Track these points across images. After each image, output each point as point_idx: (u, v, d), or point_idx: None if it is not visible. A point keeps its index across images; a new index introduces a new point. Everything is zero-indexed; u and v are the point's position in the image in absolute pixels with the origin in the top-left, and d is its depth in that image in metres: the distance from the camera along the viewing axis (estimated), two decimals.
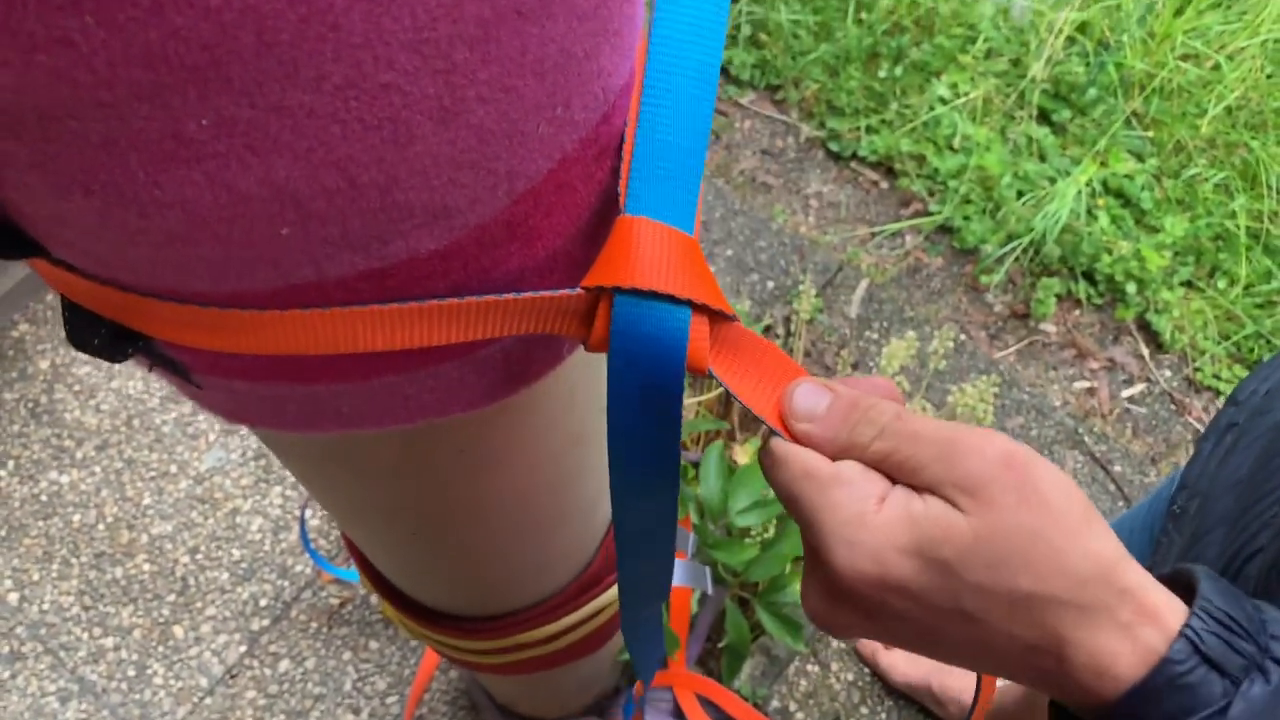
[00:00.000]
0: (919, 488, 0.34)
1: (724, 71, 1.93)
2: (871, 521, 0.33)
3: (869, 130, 1.86)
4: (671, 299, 0.32)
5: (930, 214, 1.79)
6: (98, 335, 0.32)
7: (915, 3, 1.92)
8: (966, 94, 1.86)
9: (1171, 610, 0.33)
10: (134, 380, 1.49)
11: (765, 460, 0.36)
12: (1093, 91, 1.86)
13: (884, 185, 1.85)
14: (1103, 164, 1.80)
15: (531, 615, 0.71)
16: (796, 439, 0.36)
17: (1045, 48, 1.88)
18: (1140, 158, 1.83)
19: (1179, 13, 1.89)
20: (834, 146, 1.86)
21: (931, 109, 1.84)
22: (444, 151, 0.27)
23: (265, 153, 0.24)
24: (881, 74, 1.88)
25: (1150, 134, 1.85)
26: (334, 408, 0.37)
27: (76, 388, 1.48)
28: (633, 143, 0.32)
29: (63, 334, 1.52)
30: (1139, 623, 0.32)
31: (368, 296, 0.30)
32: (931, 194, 1.82)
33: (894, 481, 0.35)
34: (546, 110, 0.28)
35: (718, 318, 0.34)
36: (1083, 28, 1.91)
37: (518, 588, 0.70)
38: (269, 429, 0.39)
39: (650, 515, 0.39)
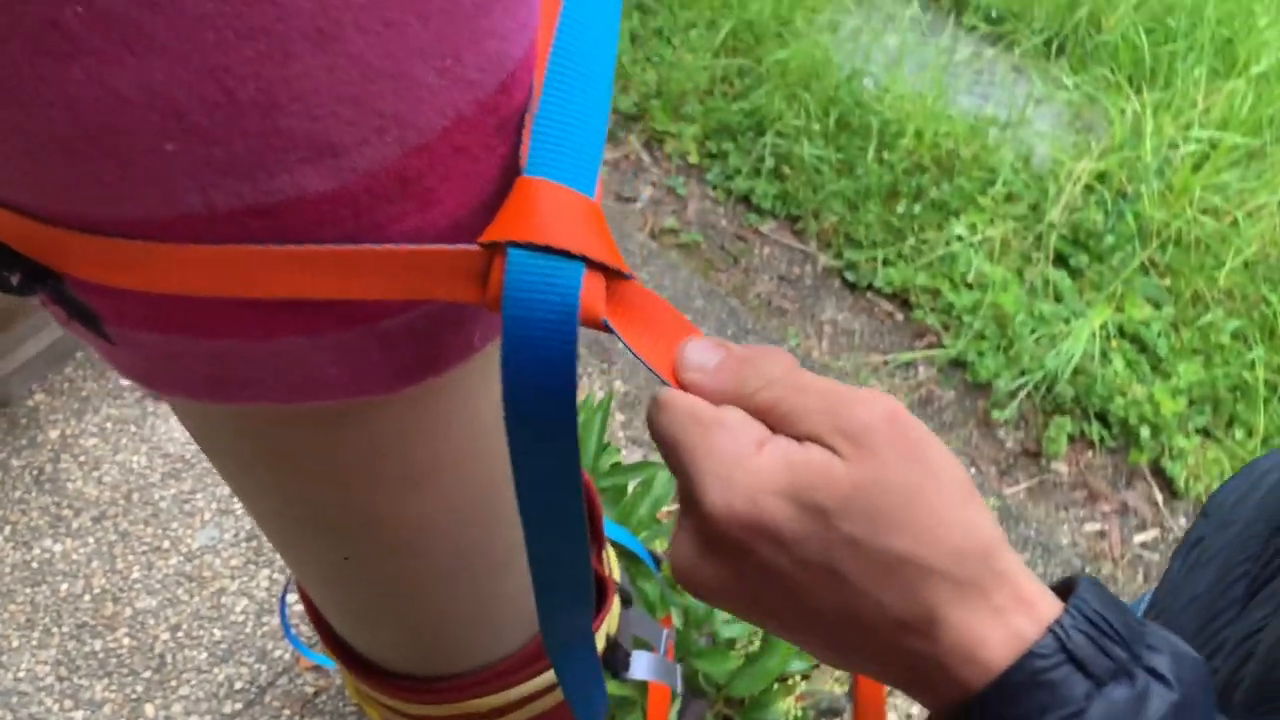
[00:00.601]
0: (801, 437, 0.33)
1: (745, 200, 1.98)
2: (750, 463, 0.33)
3: (885, 262, 1.88)
4: (567, 254, 0.32)
5: (944, 347, 1.80)
6: (14, 273, 0.34)
7: (936, 144, 1.97)
8: (984, 234, 1.88)
9: (1046, 603, 0.32)
10: (138, 455, 1.50)
11: (651, 408, 0.36)
12: (1110, 239, 1.88)
13: (899, 316, 1.87)
14: (1119, 309, 1.81)
15: (481, 678, 0.69)
16: (685, 388, 0.35)
17: (1064, 194, 1.91)
18: (1157, 305, 1.83)
19: (1197, 168, 1.92)
20: (850, 276, 1.89)
21: (948, 244, 1.86)
22: (324, 79, 0.28)
23: (142, 52, 0.25)
24: (900, 210, 1.92)
25: (1167, 282, 1.86)
26: (239, 374, 0.37)
27: (82, 459, 1.50)
28: (535, 112, 0.33)
29: (75, 405, 1.55)
30: (1013, 609, 0.31)
31: (259, 236, 0.31)
32: (946, 328, 1.82)
33: (778, 433, 0.34)
34: (434, 59, 0.29)
35: (614, 275, 0.34)
36: (1101, 177, 1.95)
37: (464, 642, 0.68)
38: (180, 397, 0.40)
39: (554, 479, 0.38)
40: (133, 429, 1.53)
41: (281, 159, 0.29)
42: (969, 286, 1.85)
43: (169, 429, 1.53)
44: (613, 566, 0.84)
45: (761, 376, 0.34)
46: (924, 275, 1.85)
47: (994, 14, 2.21)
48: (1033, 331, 1.77)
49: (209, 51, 0.26)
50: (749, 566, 0.33)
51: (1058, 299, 1.84)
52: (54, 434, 1.52)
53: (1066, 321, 1.78)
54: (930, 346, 1.82)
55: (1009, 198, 1.95)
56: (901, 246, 1.89)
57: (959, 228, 1.88)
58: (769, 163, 1.98)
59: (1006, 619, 0.31)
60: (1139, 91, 2.03)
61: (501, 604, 0.65)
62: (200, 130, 0.28)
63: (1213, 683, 0.31)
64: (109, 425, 1.53)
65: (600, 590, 0.78)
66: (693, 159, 2.02)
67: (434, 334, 0.38)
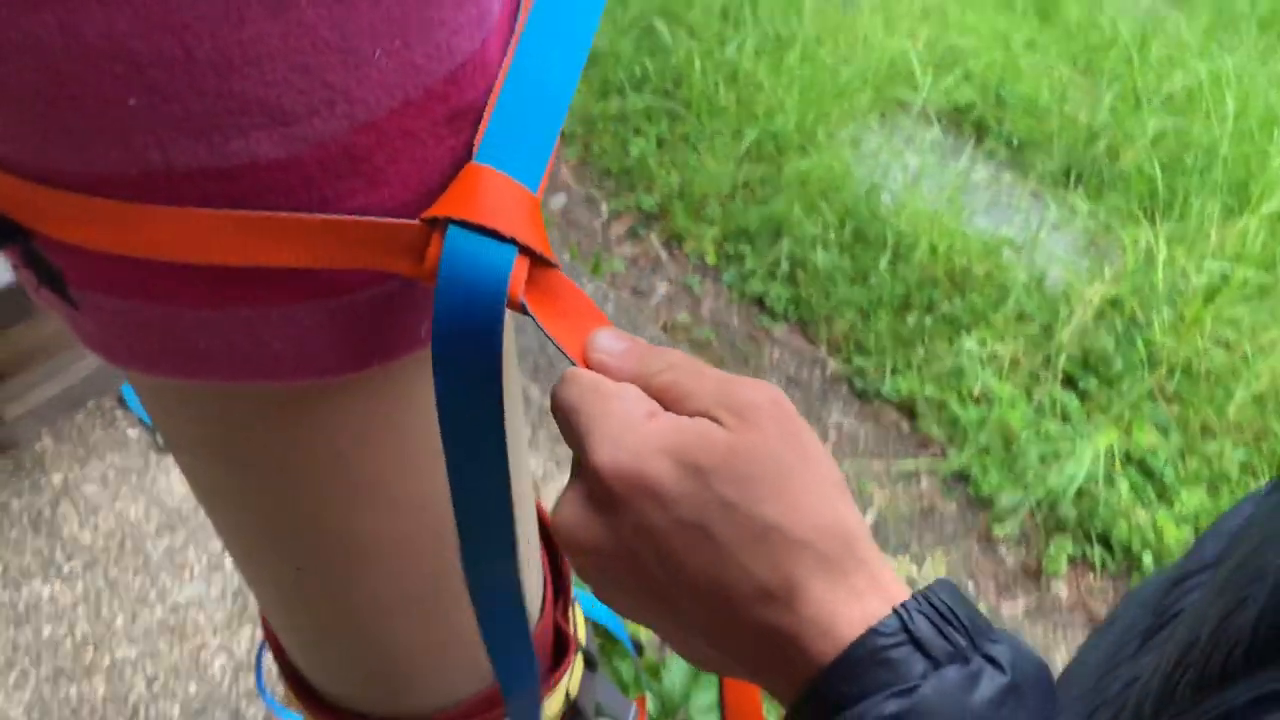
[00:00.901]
0: (692, 414, 0.35)
1: (759, 302, 2.01)
2: (640, 427, 0.34)
3: (894, 371, 1.89)
4: (501, 236, 0.34)
5: (948, 459, 1.79)
6: None
7: (950, 260, 2.00)
8: (994, 351, 1.90)
9: (900, 591, 0.33)
10: (136, 505, 1.52)
11: (557, 386, 0.37)
12: (1120, 364, 1.89)
13: (904, 426, 1.87)
14: (1126, 433, 1.80)
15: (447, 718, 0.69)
16: (592, 368, 0.38)
17: (1075, 318, 1.93)
18: (1165, 433, 1.83)
19: (1209, 300, 1.94)
20: (859, 383, 1.90)
21: (957, 358, 1.88)
22: (276, 45, 0.30)
23: (108, 2, 0.28)
24: (911, 321, 1.94)
25: (1176, 411, 1.85)
26: (190, 343, 0.39)
27: (81, 504, 1.51)
28: (492, 107, 0.36)
29: (80, 452, 1.57)
30: (869, 591, 0.32)
31: (215, 200, 0.33)
32: (951, 440, 1.82)
33: (671, 410, 0.36)
34: (384, 39, 0.32)
35: (540, 263, 0.36)
36: (1114, 303, 1.96)
37: (418, 681, 0.68)
38: (136, 369, 0.41)
39: (480, 462, 0.40)
40: (134, 479, 1.54)
41: (237, 122, 0.31)
42: (976, 401, 1.85)
43: (169, 482, 1.55)
44: (578, 626, 0.84)
45: (663, 361, 0.37)
46: (932, 386, 1.86)
47: (1014, 141, 2.27)
48: (1038, 450, 1.76)
49: (170, 7, 0.28)
50: (627, 525, 0.34)
51: (1065, 419, 1.83)
52: (57, 478, 1.54)
53: (1072, 442, 1.77)
54: (934, 457, 1.81)
55: (1020, 317, 1.97)
56: (911, 357, 1.91)
57: (969, 343, 1.90)
58: (784, 267, 2.02)
59: (863, 600, 0.32)
60: (1153, 222, 2.06)
61: (457, 642, 0.65)
62: (160, 85, 0.30)
63: (1054, 688, 0.32)
64: (111, 474, 1.55)
65: (561, 645, 0.78)
66: (710, 259, 2.06)
67: (381, 318, 0.40)
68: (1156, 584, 0.53)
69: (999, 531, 1.70)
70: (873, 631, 0.31)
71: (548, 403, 1.70)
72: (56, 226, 0.35)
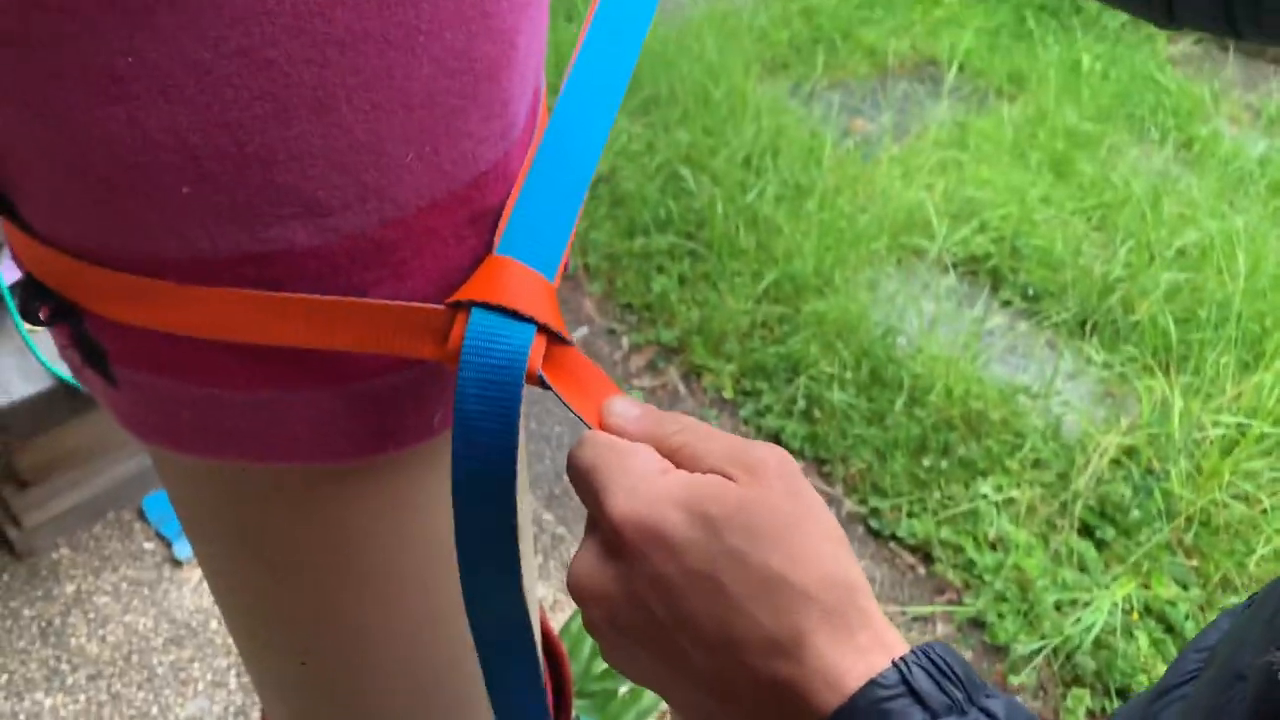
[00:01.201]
0: (704, 471, 0.37)
1: (776, 438, 2.02)
2: (653, 480, 0.36)
3: (910, 514, 1.89)
4: (520, 316, 0.37)
5: (964, 604, 1.77)
6: (43, 307, 0.39)
7: (966, 404, 2.02)
8: (1010, 496, 1.89)
9: (899, 645, 0.34)
10: (146, 618, 1.51)
11: (574, 448, 0.39)
12: (1137, 514, 1.88)
13: (920, 570, 1.85)
14: (1144, 585, 1.78)
15: None
16: (608, 430, 0.40)
17: (1091, 466, 1.93)
18: (1184, 586, 1.80)
19: (1227, 453, 1.94)
20: (874, 524, 1.89)
21: (973, 502, 1.87)
22: (317, 144, 0.33)
23: (174, 101, 0.31)
24: (927, 463, 1.95)
25: (1195, 563, 1.83)
26: (220, 423, 0.41)
27: (91, 615, 1.51)
28: (512, 206, 0.39)
29: (95, 562, 1.58)
30: (871, 645, 0.34)
31: (252, 284, 0.36)
32: (967, 585, 1.80)
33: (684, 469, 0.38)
34: (414, 144, 0.35)
35: (557, 340, 0.39)
36: (1130, 452, 1.97)
37: None
38: (165, 447, 0.44)
39: (491, 523, 0.41)
40: (145, 591, 1.54)
41: (277, 211, 0.34)
42: (992, 547, 1.84)
43: (180, 596, 1.55)
44: None
45: (676, 424, 0.39)
46: (947, 530, 1.85)
47: (1030, 291, 2.31)
48: (1054, 598, 1.74)
49: (227, 107, 0.31)
50: (638, 574, 0.36)
51: (1082, 569, 1.82)
52: (70, 588, 1.54)
53: (1090, 591, 1.75)
54: (950, 603, 1.79)
55: (1036, 464, 1.97)
56: (927, 499, 1.91)
57: (985, 487, 1.90)
58: (801, 405, 2.04)
59: (865, 653, 0.33)
60: (1168, 373, 2.08)
61: None
62: (212, 177, 0.33)
63: None
64: (124, 585, 1.55)
65: None
66: (727, 394, 2.09)
67: (397, 406, 0.42)
68: (1139, 701, 0.53)
69: (1015, 680, 1.67)
70: (873, 683, 0.32)
71: (560, 529, 1.70)
72: (108, 305, 0.38)
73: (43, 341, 1.31)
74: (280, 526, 0.48)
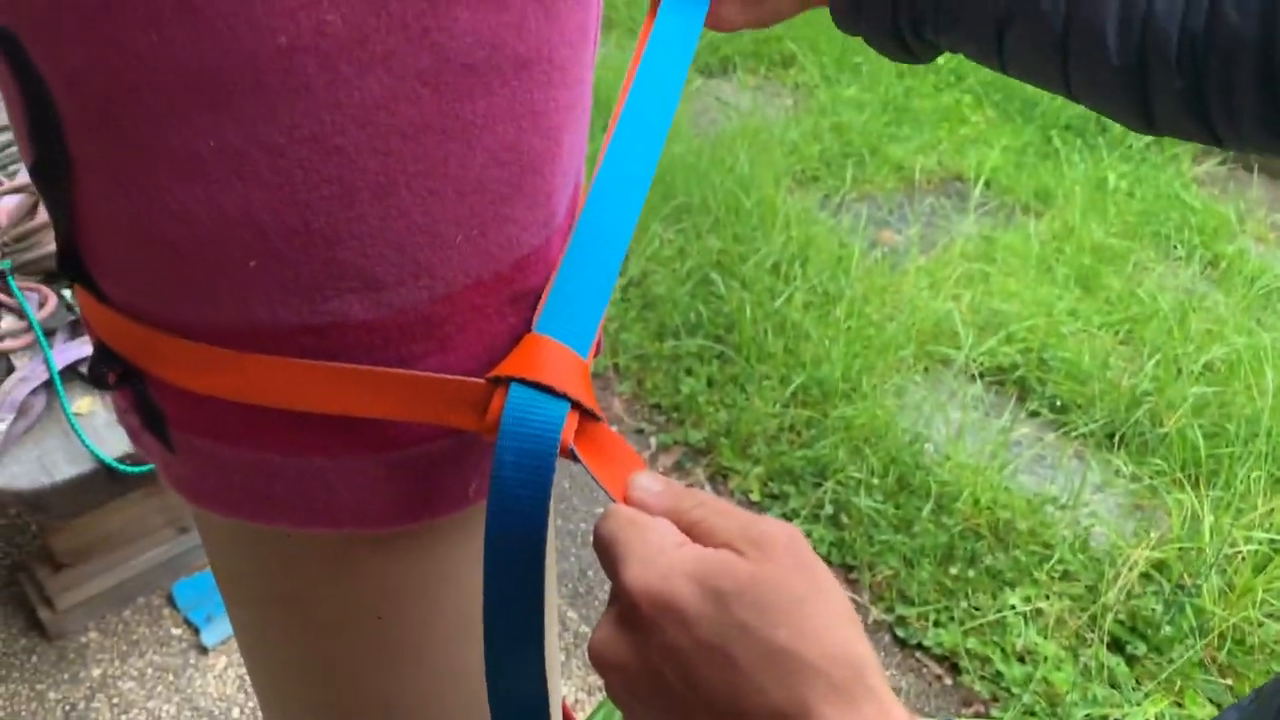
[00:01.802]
0: (717, 546, 0.39)
1: None
2: (668, 553, 0.38)
3: (937, 623, 1.87)
4: (555, 393, 0.40)
5: (991, 717, 1.74)
6: (111, 371, 0.42)
7: (993, 513, 2.01)
8: (1039, 608, 1.87)
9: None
10: (169, 704, 1.51)
11: (599, 521, 0.41)
12: (1169, 629, 1.85)
13: (947, 680, 1.83)
14: (1177, 703, 1.74)
15: None
16: (630, 504, 0.42)
17: (1121, 579, 1.91)
18: (1218, 704, 1.76)
19: (1259, 570, 1.91)
20: (901, 632, 1.87)
21: (1000, 613, 1.85)
22: (378, 224, 0.36)
23: (248, 181, 0.34)
24: (954, 572, 1.93)
25: (1229, 683, 1.80)
26: (269, 487, 0.44)
27: (115, 700, 1.52)
28: (550, 287, 0.42)
29: (123, 647, 1.59)
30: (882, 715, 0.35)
31: (306, 353, 0.39)
32: (995, 698, 1.77)
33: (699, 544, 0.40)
34: (464, 227, 0.38)
35: (589, 416, 0.42)
36: (1160, 566, 1.95)
37: None
38: (217, 510, 0.46)
39: (519, 593, 0.43)
40: (170, 678, 1.55)
41: (336, 286, 0.37)
42: (1020, 659, 1.81)
43: (205, 683, 1.55)
44: None
45: (694, 499, 0.41)
46: (975, 640, 1.83)
47: (1057, 403, 2.32)
48: (1085, 714, 1.71)
49: (296, 188, 0.34)
50: (653, 645, 0.37)
51: (1112, 684, 1.78)
52: (96, 672, 1.55)
53: (1121, 709, 1.71)
54: (977, 715, 1.76)
55: (1065, 575, 1.95)
56: (954, 609, 1.89)
57: (1013, 598, 1.88)
58: (828, 510, 2.04)
59: None
60: (1197, 487, 2.07)
61: None
62: (278, 252, 0.36)
63: None
64: (150, 671, 1.56)
65: None
66: (754, 496, 2.09)
67: (436, 475, 0.45)
68: None
69: None
70: None
71: (584, 628, 1.69)
72: (170, 371, 0.41)
73: (87, 424, 1.35)
74: (318, 591, 0.50)
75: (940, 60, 3.69)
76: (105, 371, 0.42)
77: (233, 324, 0.38)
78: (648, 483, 0.42)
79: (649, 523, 0.40)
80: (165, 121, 0.33)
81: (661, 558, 0.38)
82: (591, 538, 0.42)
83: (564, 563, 1.88)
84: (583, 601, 1.84)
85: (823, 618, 0.36)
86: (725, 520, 0.40)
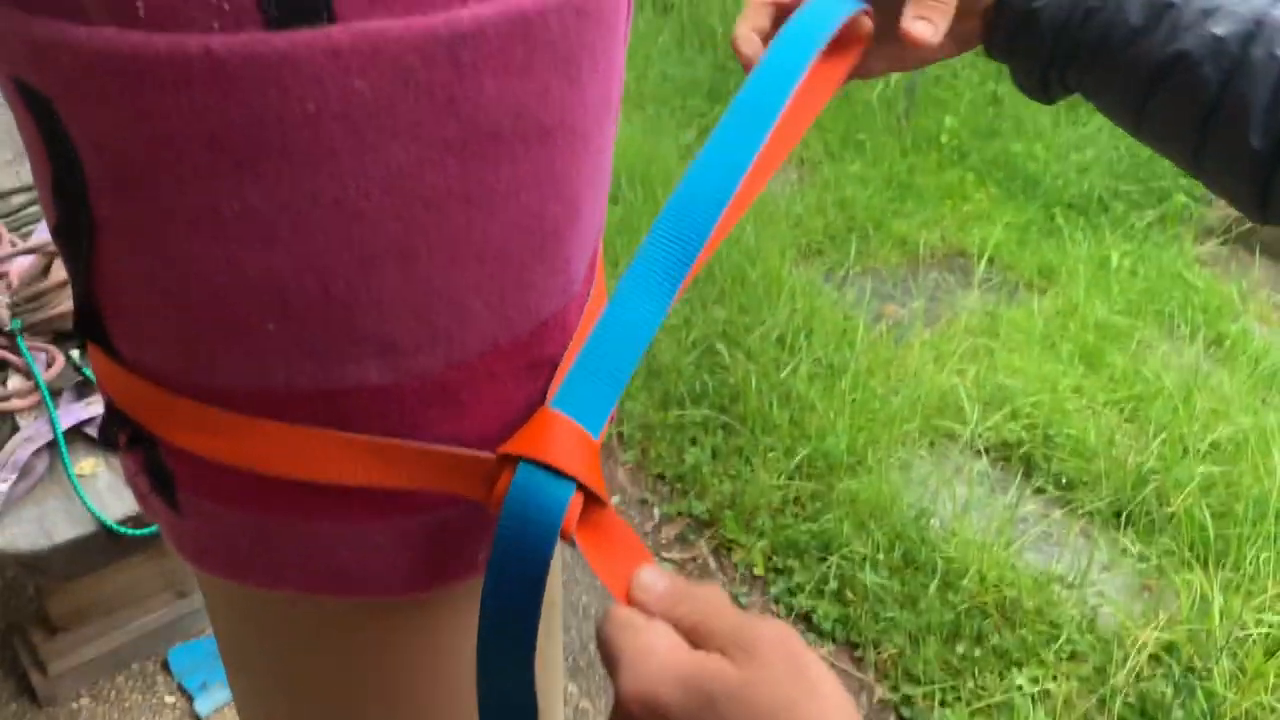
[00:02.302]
0: (710, 650, 0.38)
1: (807, 618, 1.99)
2: (662, 657, 0.38)
3: (943, 703, 1.84)
4: (561, 474, 0.40)
5: None
6: (122, 432, 0.42)
7: (1000, 591, 1.99)
8: (1046, 689, 1.84)
9: None
10: None
11: (600, 621, 0.41)
12: (1179, 713, 1.81)
13: None
14: None
15: None
16: (632, 605, 0.41)
17: (1130, 661, 1.88)
18: None
19: (1271, 654, 1.88)
20: (906, 712, 1.84)
21: (1007, 693, 1.82)
22: (398, 290, 0.36)
23: (271, 244, 0.34)
24: (960, 650, 1.90)
25: None
26: (277, 553, 0.43)
27: None
28: (569, 363, 0.42)
29: (115, 714, 1.56)
30: None
31: (321, 419, 0.39)
32: None
33: (696, 648, 0.39)
34: (484, 294, 0.38)
35: (593, 500, 0.41)
36: (1169, 648, 1.92)
37: None
38: (224, 576, 0.45)
39: (509, 673, 0.43)
40: None
41: (352, 350, 0.37)
42: None
43: None
44: None
45: (691, 602, 0.41)
46: None
47: (1063, 479, 2.31)
48: None
49: (318, 253, 0.34)
50: None
51: None
52: None
53: None
54: None
55: (1073, 656, 1.92)
56: (960, 688, 1.86)
57: (1020, 678, 1.85)
58: (833, 585, 2.02)
59: None
60: (1206, 568, 2.05)
61: None
62: (297, 315, 0.36)
63: None
64: None
65: None
66: (758, 570, 2.07)
67: (444, 542, 0.44)
68: None
69: None
70: None
71: (584, 703, 1.67)
72: (181, 434, 0.40)
73: (89, 486, 1.34)
74: (321, 658, 0.49)
75: (943, 139, 3.75)
76: (116, 433, 0.42)
77: (246, 386, 0.38)
78: (649, 581, 0.42)
79: (644, 625, 0.40)
80: (190, 184, 0.33)
81: (653, 661, 0.38)
82: (591, 614, 0.42)
83: (564, 635, 1.85)
84: (584, 675, 1.81)
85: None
86: (720, 623, 0.39)
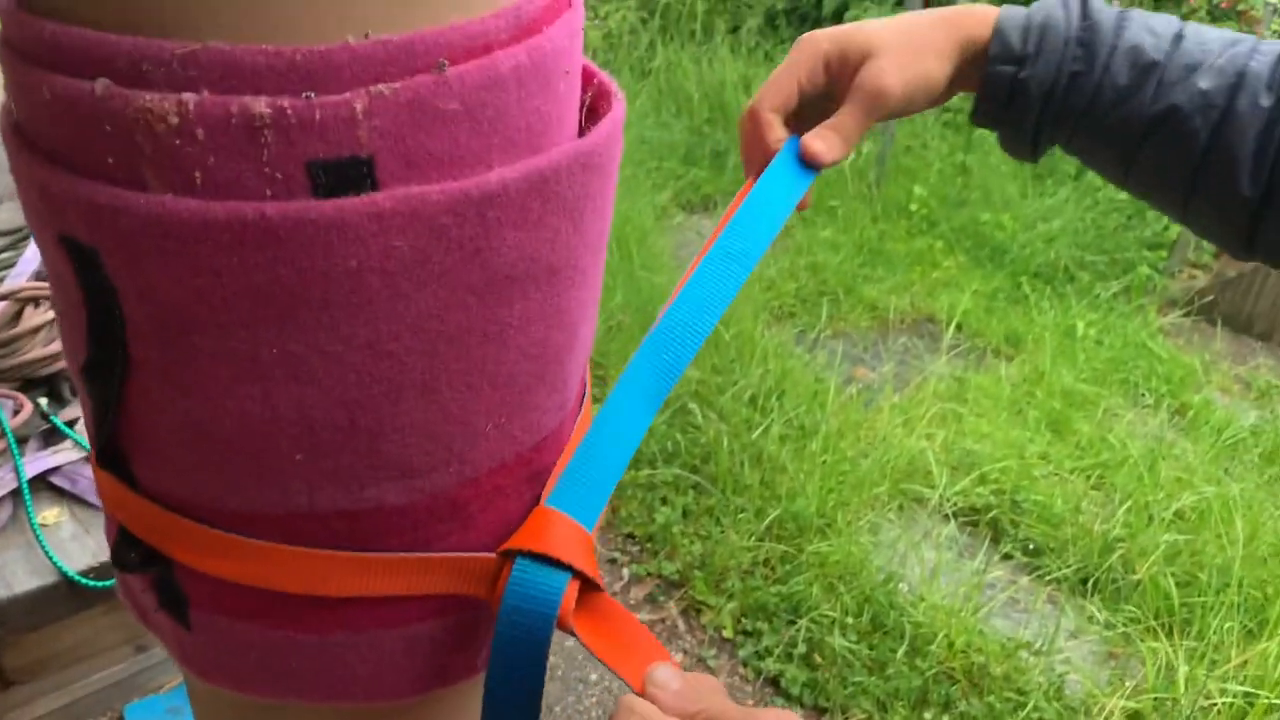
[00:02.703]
0: None
1: (775, 683, 1.98)
2: None
3: None
4: (558, 564, 0.42)
5: None
6: (135, 554, 0.42)
7: (968, 656, 1.99)
8: None
9: None
10: None
11: (614, 713, 0.42)
12: None
13: None
14: None
15: None
16: (647, 696, 0.43)
17: None
18: None
19: None
20: None
21: None
22: (419, 419, 0.38)
23: (303, 383, 0.36)
24: (928, 717, 1.89)
25: None
26: (285, 664, 0.43)
27: None
28: (563, 466, 0.44)
29: None
30: None
31: (340, 539, 0.40)
32: None
33: None
34: (494, 416, 0.40)
35: (589, 587, 0.43)
36: (1135, 716, 1.92)
37: None
38: (230, 688, 0.45)
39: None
40: None
41: (374, 475, 0.39)
42: None
43: None
44: None
45: (701, 703, 0.43)
46: None
47: (1030, 546, 2.32)
48: None
49: (349, 388, 0.36)
50: None
51: None
52: None
53: None
54: None
55: None
56: None
57: None
58: (801, 648, 2.01)
59: None
60: (1171, 636, 2.06)
61: None
62: (324, 445, 0.37)
63: None
64: None
65: None
66: (727, 633, 2.06)
67: (450, 646, 0.46)
68: None
69: None
70: None
71: None
72: (198, 558, 0.41)
73: (52, 536, 1.31)
74: None
75: (913, 207, 3.82)
76: (130, 556, 0.42)
77: (269, 512, 0.39)
78: (665, 678, 0.44)
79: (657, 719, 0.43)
80: (232, 331, 0.34)
81: None
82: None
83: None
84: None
85: None
86: (731, 716, 0.42)
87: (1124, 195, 4.10)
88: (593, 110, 0.43)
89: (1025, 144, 0.69)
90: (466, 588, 0.43)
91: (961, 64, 0.68)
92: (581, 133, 0.41)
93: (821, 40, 0.67)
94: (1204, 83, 0.60)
